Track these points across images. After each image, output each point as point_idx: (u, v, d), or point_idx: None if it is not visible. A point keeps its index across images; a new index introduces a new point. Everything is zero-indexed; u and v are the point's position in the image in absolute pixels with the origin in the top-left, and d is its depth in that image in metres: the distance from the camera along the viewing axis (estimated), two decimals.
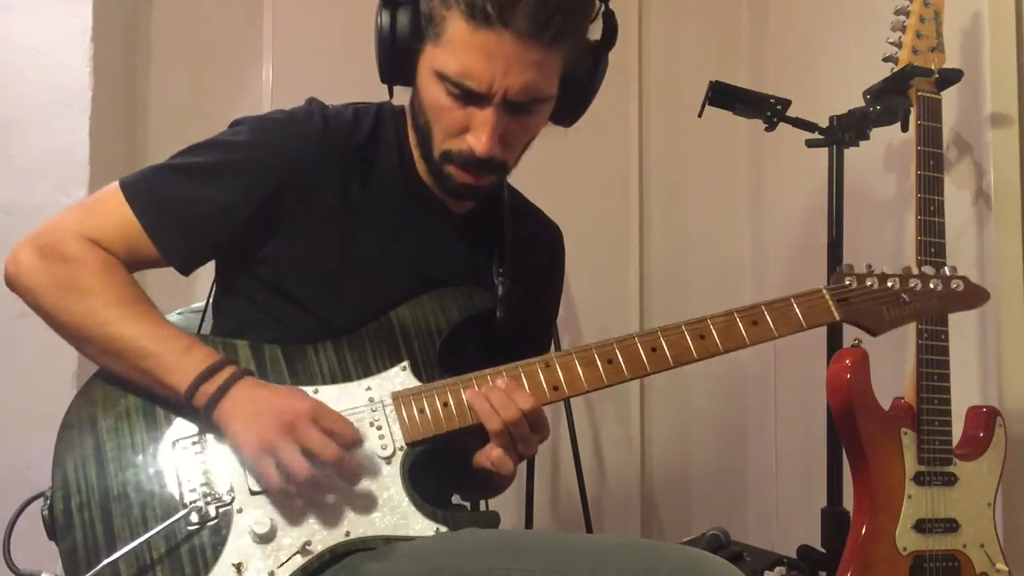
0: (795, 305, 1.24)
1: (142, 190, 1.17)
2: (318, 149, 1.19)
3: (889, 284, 1.30)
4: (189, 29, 2.59)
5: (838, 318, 1.26)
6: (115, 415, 1.11)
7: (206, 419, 1.08)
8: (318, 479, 1.06)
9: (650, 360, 1.18)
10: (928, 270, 1.33)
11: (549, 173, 2.80)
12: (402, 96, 1.27)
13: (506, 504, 2.53)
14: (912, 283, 1.31)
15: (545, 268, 1.41)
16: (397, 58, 1.17)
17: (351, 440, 1.08)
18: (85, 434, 1.10)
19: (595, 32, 1.20)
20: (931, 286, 1.32)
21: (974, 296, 1.37)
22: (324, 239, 1.20)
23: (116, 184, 1.17)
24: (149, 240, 1.15)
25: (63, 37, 2.27)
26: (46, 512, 1.08)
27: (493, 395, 1.12)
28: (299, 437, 1.05)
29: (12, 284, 1.14)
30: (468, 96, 1.12)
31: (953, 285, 1.33)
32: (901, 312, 1.30)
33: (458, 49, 1.10)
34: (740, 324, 1.21)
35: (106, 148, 2.34)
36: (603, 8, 1.18)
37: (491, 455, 1.14)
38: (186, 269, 1.20)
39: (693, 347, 1.19)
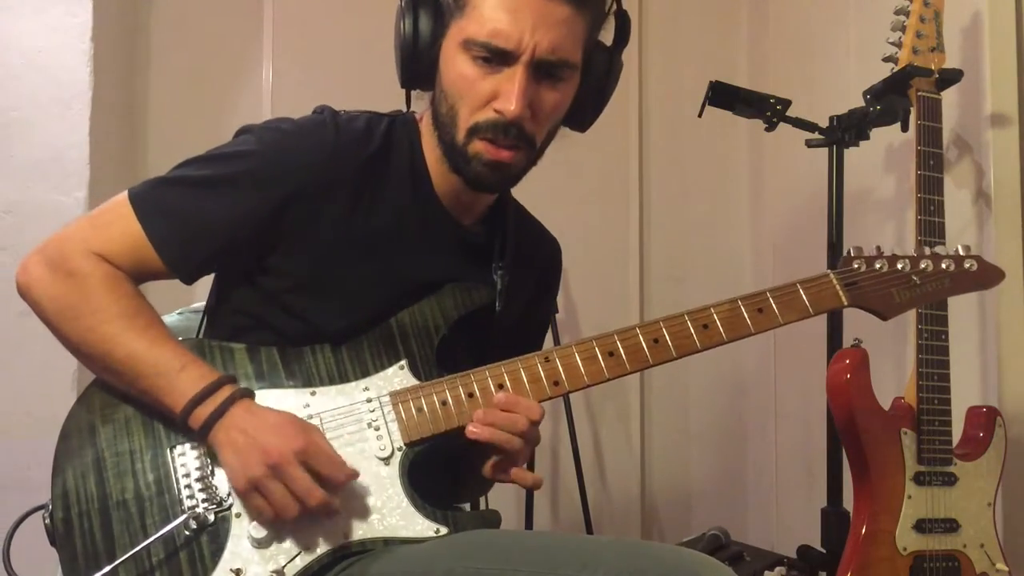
0: (801, 291, 1.19)
1: (150, 202, 1.15)
2: (329, 161, 1.17)
3: (899, 266, 1.23)
4: (189, 29, 2.59)
5: (846, 303, 1.21)
6: (113, 423, 1.11)
7: (200, 442, 1.09)
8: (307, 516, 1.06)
9: (652, 352, 1.15)
10: (940, 249, 1.27)
11: (549, 173, 2.80)
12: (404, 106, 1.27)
13: (506, 505, 2.54)
14: (924, 264, 1.24)
15: (543, 273, 1.41)
16: (420, 59, 1.17)
17: (340, 483, 1.07)
18: (84, 443, 1.10)
19: (607, 37, 1.22)
20: (943, 266, 1.25)
21: (988, 275, 1.29)
22: (331, 252, 1.18)
23: (124, 195, 1.16)
24: (155, 253, 1.14)
25: (63, 37, 2.27)
26: (48, 521, 1.08)
27: (502, 420, 1.11)
28: (284, 480, 1.04)
29: (23, 294, 1.15)
30: (497, 57, 1.11)
31: (967, 265, 1.26)
32: (912, 295, 1.24)
33: (487, 11, 1.11)
34: (744, 312, 1.17)
35: (106, 148, 2.34)
36: (616, 8, 1.20)
37: (514, 475, 1.16)
38: (190, 280, 1.19)
39: (696, 337, 1.16)
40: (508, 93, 1.11)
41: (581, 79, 1.18)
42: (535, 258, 1.38)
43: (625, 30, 1.22)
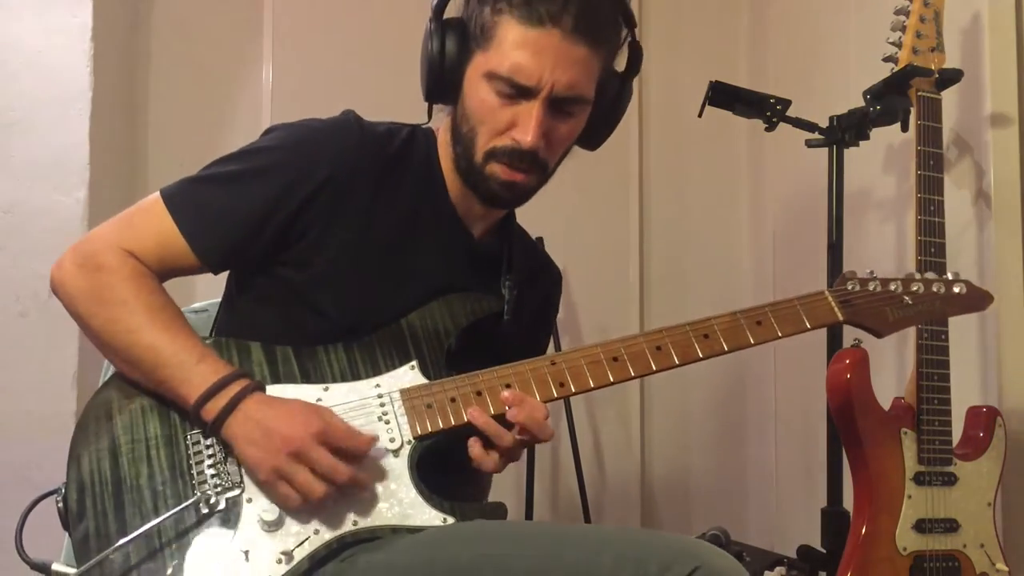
0: (798, 306, 1.27)
1: (181, 197, 1.20)
2: (354, 158, 1.22)
3: (892, 287, 1.32)
4: (189, 29, 2.59)
5: (841, 318, 1.28)
6: (131, 411, 1.14)
7: (214, 435, 1.11)
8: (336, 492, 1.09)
9: (655, 359, 1.21)
10: (930, 274, 1.34)
11: None
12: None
13: (506, 503, 2.53)
14: (915, 287, 1.33)
15: (547, 297, 1.48)
16: (444, 78, 1.23)
17: (361, 452, 1.10)
18: (101, 430, 1.13)
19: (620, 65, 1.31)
20: (934, 289, 1.33)
21: (977, 299, 1.39)
22: (349, 248, 1.22)
23: (156, 194, 1.21)
24: (186, 246, 1.19)
25: (63, 37, 2.27)
26: (61, 504, 1.10)
27: (526, 412, 1.14)
28: (308, 463, 1.07)
29: (55, 289, 1.19)
30: (517, 92, 1.18)
31: (956, 289, 1.35)
32: (905, 314, 1.32)
33: (510, 48, 1.17)
34: (744, 324, 1.24)
35: (106, 148, 2.34)
36: (630, 38, 1.30)
37: (477, 455, 1.16)
38: (219, 269, 1.25)
39: (698, 346, 1.22)
40: (526, 125, 1.18)
41: (593, 105, 1.25)
42: (540, 281, 1.44)
43: (637, 61, 1.32)
